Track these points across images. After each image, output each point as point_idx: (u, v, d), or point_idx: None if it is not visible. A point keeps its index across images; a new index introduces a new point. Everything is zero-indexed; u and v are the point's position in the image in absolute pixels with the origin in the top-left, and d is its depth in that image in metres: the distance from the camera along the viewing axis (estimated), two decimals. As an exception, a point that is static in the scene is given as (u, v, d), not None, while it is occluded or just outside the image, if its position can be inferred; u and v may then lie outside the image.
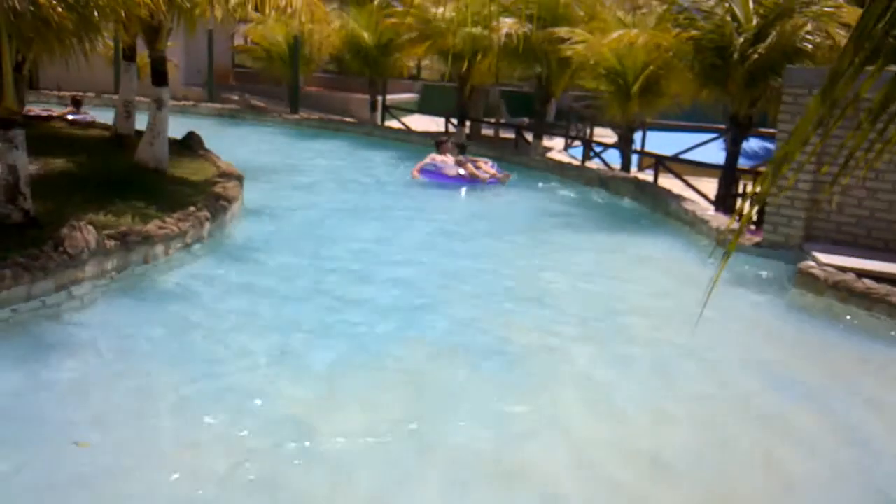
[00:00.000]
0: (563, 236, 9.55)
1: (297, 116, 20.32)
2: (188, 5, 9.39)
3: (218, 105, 21.79)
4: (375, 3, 18.94)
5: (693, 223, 9.52)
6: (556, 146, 18.22)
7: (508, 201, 11.74)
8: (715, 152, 14.14)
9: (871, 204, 7.88)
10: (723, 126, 14.37)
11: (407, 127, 19.45)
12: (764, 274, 7.85)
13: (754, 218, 9.08)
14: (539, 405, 4.95)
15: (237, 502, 3.75)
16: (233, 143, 14.53)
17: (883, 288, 6.57)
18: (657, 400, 5.12)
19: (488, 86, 20.12)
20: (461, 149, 13.53)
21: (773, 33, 10.10)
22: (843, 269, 7.05)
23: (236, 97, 23.08)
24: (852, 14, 9.88)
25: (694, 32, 11.09)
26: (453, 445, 4.37)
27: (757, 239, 8.40)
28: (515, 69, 16.49)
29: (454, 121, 18.39)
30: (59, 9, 6.27)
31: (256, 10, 10.05)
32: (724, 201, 11.01)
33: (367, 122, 19.95)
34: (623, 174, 13.29)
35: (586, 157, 16.10)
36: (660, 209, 10.71)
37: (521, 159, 15.16)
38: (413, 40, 17.27)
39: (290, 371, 5.18)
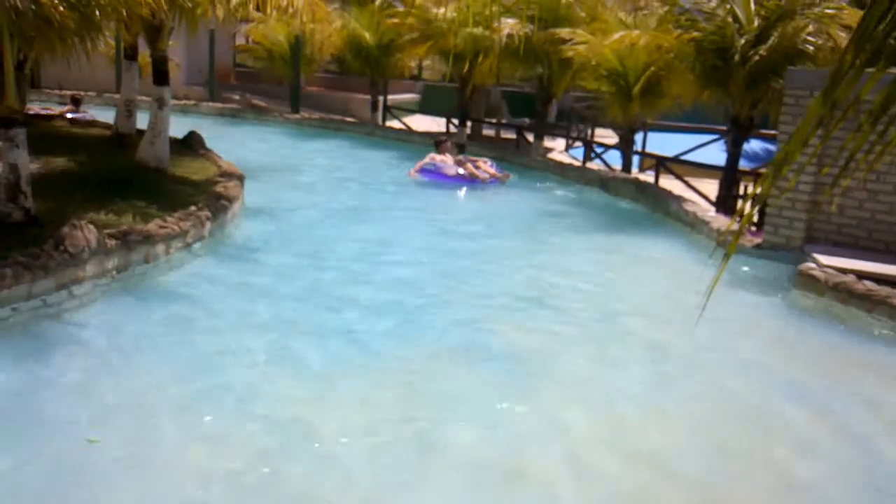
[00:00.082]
0: (563, 237, 9.55)
1: (298, 116, 20.33)
2: (189, 5, 9.39)
3: (219, 104, 21.80)
4: (377, 3, 18.95)
5: (694, 224, 9.52)
6: (557, 147, 18.24)
7: (509, 202, 11.74)
8: (716, 154, 14.16)
9: (871, 206, 7.88)
10: (724, 127, 14.38)
11: (408, 127, 19.46)
12: (764, 275, 7.85)
13: (755, 219, 9.09)
14: (539, 406, 4.94)
15: (238, 501, 3.75)
16: (234, 143, 14.53)
17: (883, 290, 6.57)
18: (657, 401, 5.12)
19: (489, 86, 20.13)
20: (460, 148, 13.54)
21: (775, 35, 10.10)
22: (844, 271, 7.05)
23: (237, 97, 23.09)
24: (853, 16, 9.89)
25: (695, 34, 11.10)
26: (452, 445, 4.37)
27: (758, 240, 8.41)
28: (517, 70, 16.50)
29: (455, 121, 18.41)
30: (61, 8, 6.27)
31: (258, 9, 10.05)
32: (725, 203, 11.01)
33: (368, 122, 19.96)
34: (624, 175, 13.29)
35: (587, 157, 16.11)
36: (660, 210, 10.72)
37: (522, 160, 15.17)
38: (414, 40, 17.27)
39: (291, 370, 5.18)
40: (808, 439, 4.76)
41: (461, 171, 12.57)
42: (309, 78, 22.52)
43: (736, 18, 10.68)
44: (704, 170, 12.54)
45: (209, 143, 12.19)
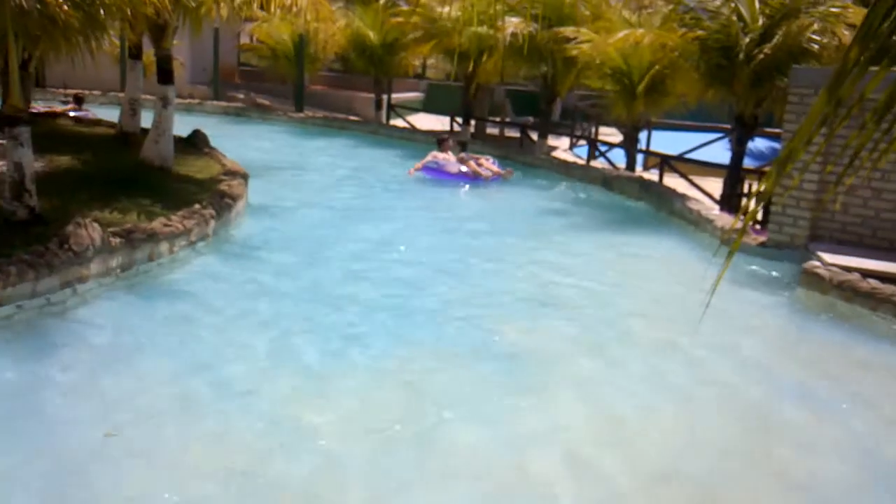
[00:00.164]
0: (566, 235, 9.54)
1: (302, 115, 20.34)
2: (194, 4, 9.41)
3: (223, 103, 21.82)
4: (381, 1, 18.94)
5: (698, 223, 9.51)
6: (561, 145, 18.20)
7: (512, 200, 11.74)
8: (720, 152, 14.13)
9: (876, 204, 7.86)
10: (728, 126, 14.35)
11: (412, 126, 19.46)
12: (769, 273, 7.84)
13: (759, 217, 9.07)
14: (541, 405, 4.94)
15: (239, 500, 3.75)
16: (238, 142, 14.55)
17: (888, 288, 6.55)
18: (659, 400, 5.11)
19: (493, 85, 20.11)
20: (462, 146, 13.54)
21: (779, 33, 10.08)
22: (848, 269, 7.04)
23: (242, 95, 23.11)
24: (858, 14, 9.85)
25: (700, 32, 11.07)
26: (453, 445, 4.37)
27: (762, 239, 8.39)
28: (521, 68, 16.47)
29: (459, 120, 18.40)
30: (66, 7, 6.30)
31: (262, 8, 10.06)
32: (730, 201, 10.99)
33: (372, 120, 19.96)
34: (628, 174, 13.28)
35: (591, 156, 16.08)
36: (664, 209, 10.70)
37: (525, 158, 15.16)
38: (418, 39, 17.28)
39: (292, 369, 5.18)
40: (809, 439, 4.75)
41: (464, 168, 12.58)
42: (313, 77, 22.53)
43: (740, 17, 10.65)
44: (709, 168, 12.51)
45: (213, 142, 12.21)
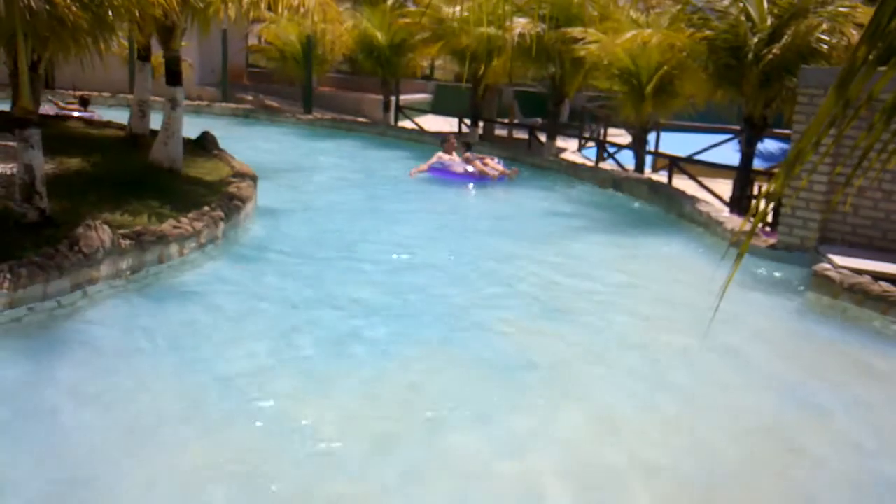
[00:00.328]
0: (575, 237, 9.52)
1: (310, 116, 20.38)
2: (202, 5, 9.44)
3: (232, 105, 21.88)
4: (389, 2, 18.97)
5: (707, 225, 9.48)
6: (569, 147, 18.20)
7: (520, 202, 11.73)
8: (730, 153, 14.10)
9: (886, 206, 7.82)
10: (737, 127, 14.31)
11: (420, 127, 19.48)
12: (779, 276, 7.81)
13: (769, 220, 9.04)
14: (544, 408, 4.93)
15: (239, 499, 3.76)
16: (246, 143, 14.58)
17: (899, 290, 6.52)
18: (663, 403, 5.08)
19: (502, 86, 20.11)
20: (467, 146, 13.55)
21: (788, 33, 10.04)
22: (859, 272, 6.99)
23: (250, 97, 23.17)
24: (867, 14, 9.81)
25: (708, 32, 11.05)
26: (454, 445, 4.37)
27: (772, 241, 8.36)
28: (529, 69, 16.45)
29: (467, 121, 18.41)
30: (74, 8, 6.32)
31: (270, 9, 10.08)
32: (739, 203, 10.96)
33: (380, 122, 19.98)
34: (637, 175, 13.25)
35: (600, 157, 16.07)
36: (674, 210, 10.67)
37: (534, 160, 15.15)
38: (426, 40, 17.29)
39: (300, 372, 5.18)
40: (820, 442, 4.72)
41: (469, 168, 12.58)
42: (321, 78, 22.57)
43: (749, 17, 10.62)
44: (718, 170, 12.49)
45: (222, 144, 12.24)
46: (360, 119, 20.61)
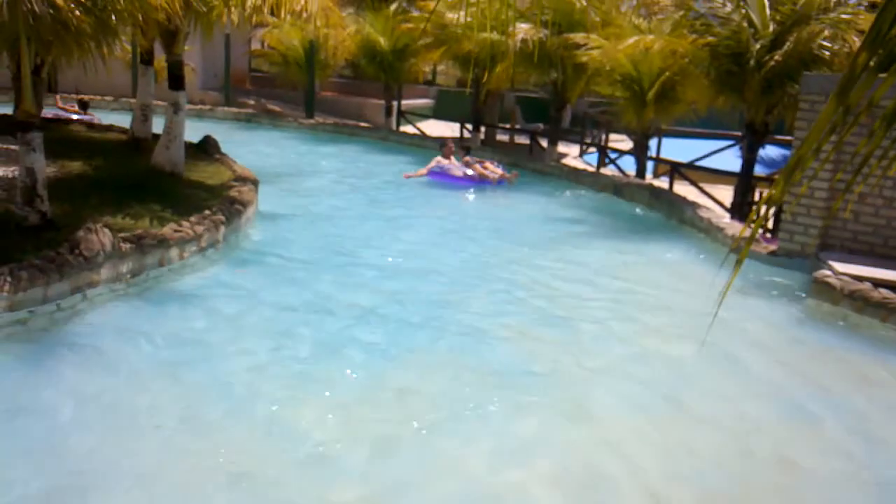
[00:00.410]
0: (576, 242, 9.52)
1: (312, 121, 20.41)
2: (205, 9, 9.45)
3: (234, 109, 21.92)
4: (391, 8, 19.01)
5: (708, 231, 9.48)
6: (571, 152, 18.19)
7: (521, 207, 11.73)
8: (731, 160, 14.09)
9: (887, 213, 7.81)
10: (739, 133, 14.30)
11: (422, 132, 19.49)
12: (779, 282, 7.80)
13: (770, 226, 9.03)
14: (542, 413, 4.92)
15: (237, 501, 3.76)
16: (248, 148, 14.61)
17: (900, 297, 6.51)
18: (666, 411, 5.08)
19: (504, 91, 20.13)
20: (466, 150, 13.57)
21: (790, 40, 10.05)
22: (860, 279, 6.98)
23: (252, 101, 23.21)
24: (869, 20, 9.80)
25: (710, 39, 11.06)
26: (452, 452, 4.36)
27: (772, 247, 8.35)
28: (531, 75, 16.47)
29: (469, 126, 18.42)
30: (78, 12, 6.33)
31: (272, 14, 10.09)
32: (740, 209, 10.96)
33: (382, 127, 20.01)
34: (638, 181, 13.25)
35: (601, 163, 16.07)
36: (675, 216, 10.67)
37: (535, 165, 15.16)
38: (428, 45, 17.32)
39: (299, 377, 5.18)
40: (819, 449, 4.71)
41: (469, 171, 12.58)
42: (323, 83, 22.62)
43: (751, 23, 10.63)
44: (719, 176, 12.48)
45: (224, 148, 12.26)
46: (363, 124, 20.65)
